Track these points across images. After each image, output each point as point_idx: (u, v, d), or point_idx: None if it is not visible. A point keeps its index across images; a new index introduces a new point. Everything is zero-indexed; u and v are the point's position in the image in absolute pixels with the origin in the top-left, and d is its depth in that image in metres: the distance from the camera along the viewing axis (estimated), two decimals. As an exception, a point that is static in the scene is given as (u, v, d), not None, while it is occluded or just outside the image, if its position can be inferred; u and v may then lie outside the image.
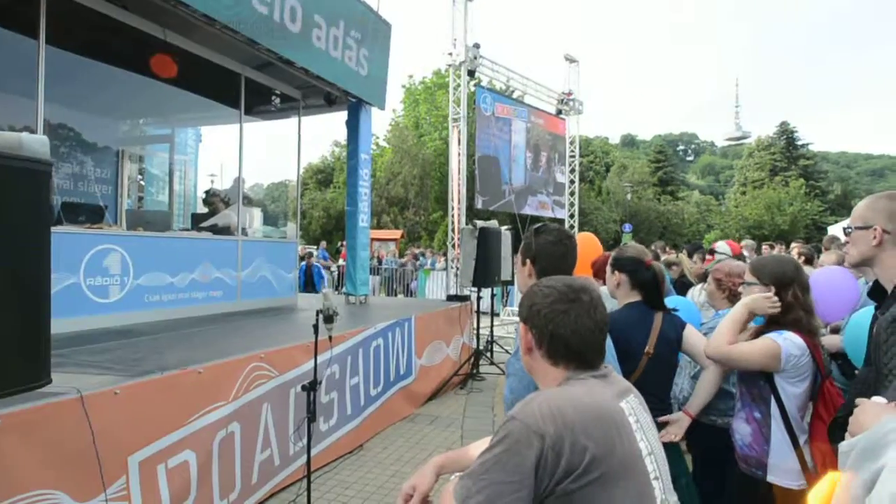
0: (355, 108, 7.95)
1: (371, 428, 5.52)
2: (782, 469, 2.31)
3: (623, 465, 1.20)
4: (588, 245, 5.57)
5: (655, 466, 1.28)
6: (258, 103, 7.63)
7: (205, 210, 7.27)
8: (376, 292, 17.33)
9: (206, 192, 7.53)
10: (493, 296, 8.18)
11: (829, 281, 3.33)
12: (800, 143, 51.25)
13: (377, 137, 35.61)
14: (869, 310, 2.68)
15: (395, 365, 6.06)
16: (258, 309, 6.71)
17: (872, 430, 1.06)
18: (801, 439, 2.32)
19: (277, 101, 7.76)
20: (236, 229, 6.81)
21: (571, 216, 15.88)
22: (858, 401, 1.28)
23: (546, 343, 1.38)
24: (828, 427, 2.22)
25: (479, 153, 12.06)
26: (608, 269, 2.75)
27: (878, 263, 1.98)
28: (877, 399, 1.27)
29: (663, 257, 7.38)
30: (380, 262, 18.41)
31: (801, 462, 2.30)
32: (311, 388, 3.28)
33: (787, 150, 49.91)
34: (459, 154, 10.76)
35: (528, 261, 2.18)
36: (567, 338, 1.35)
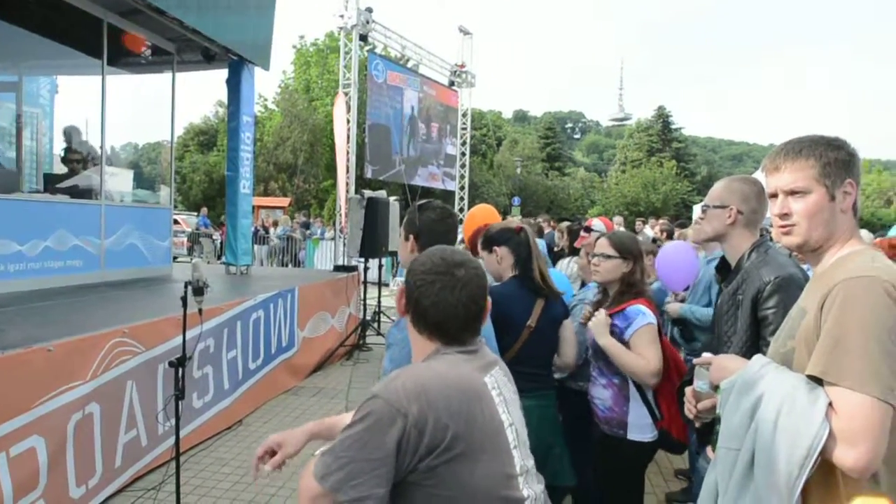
0: (237, 67, 7.47)
1: (251, 402, 5.36)
2: (639, 426, 2.54)
3: (484, 439, 1.24)
4: (489, 215, 5.65)
5: (515, 436, 1.33)
6: (125, 54, 6.93)
7: (64, 170, 6.55)
8: (264, 263, 16.70)
9: (65, 151, 6.78)
10: (380, 266, 8.16)
11: (674, 255, 3.64)
12: (674, 127, 55.32)
13: (265, 100, 33.85)
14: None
15: (276, 337, 5.90)
16: (126, 280, 6.22)
17: (745, 370, 1.33)
18: (650, 395, 2.55)
19: (148, 53, 7.11)
20: (99, 193, 6.22)
21: (462, 188, 16.13)
22: (712, 357, 1.52)
23: (411, 310, 1.39)
24: (677, 389, 2.47)
25: (369, 121, 11.84)
26: (483, 252, 2.74)
27: (728, 240, 2.20)
28: (708, 354, 1.53)
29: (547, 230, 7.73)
30: (266, 231, 17.68)
31: (651, 416, 2.53)
32: (180, 364, 3.10)
33: (663, 133, 53.70)
34: (349, 122, 10.49)
35: (411, 236, 2.22)
36: (427, 308, 1.35)
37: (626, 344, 2.54)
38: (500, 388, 1.36)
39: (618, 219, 9.59)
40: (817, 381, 1.22)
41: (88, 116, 6.77)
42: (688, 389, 1.55)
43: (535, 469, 1.39)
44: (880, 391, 1.12)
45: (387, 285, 12.44)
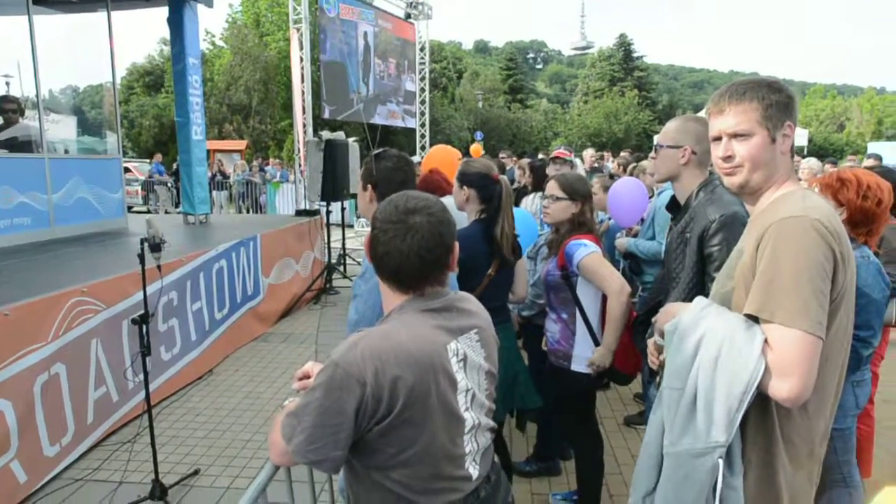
0: (178, 4, 7.03)
1: (220, 352, 5.39)
2: (582, 359, 2.67)
3: (436, 404, 1.30)
4: (444, 159, 5.61)
5: (468, 400, 1.38)
6: (51, -8, 6.44)
7: (-1, 121, 6.18)
8: (223, 208, 16.33)
9: (-1, 99, 6.36)
10: (343, 209, 8.08)
11: (623, 191, 3.72)
12: (635, 55, 54.88)
13: (212, 36, 32.12)
14: None
15: (241, 286, 5.87)
16: (79, 236, 6.03)
17: (688, 312, 1.40)
18: (598, 331, 2.67)
19: (77, -10, 6.62)
20: (41, 144, 5.92)
21: (423, 125, 15.84)
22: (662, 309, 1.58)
23: (373, 261, 1.40)
24: (631, 324, 2.58)
25: (323, 58, 11.38)
26: (456, 183, 2.77)
27: (679, 180, 2.25)
28: (668, 304, 1.60)
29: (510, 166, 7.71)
30: (225, 176, 17.18)
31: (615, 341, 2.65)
32: (143, 321, 3.08)
33: (625, 62, 53.32)
34: (302, 59, 10.08)
35: (369, 186, 2.22)
36: (381, 257, 1.36)
37: (576, 277, 2.62)
38: (465, 353, 1.38)
39: (590, 151, 9.55)
40: (754, 318, 1.29)
41: (21, 59, 6.33)
42: (650, 342, 1.62)
43: (487, 422, 1.45)
44: (810, 325, 1.20)
45: (351, 227, 12.38)
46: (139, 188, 17.62)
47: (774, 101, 1.39)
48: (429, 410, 1.29)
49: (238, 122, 29.87)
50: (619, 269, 3.56)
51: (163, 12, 7.20)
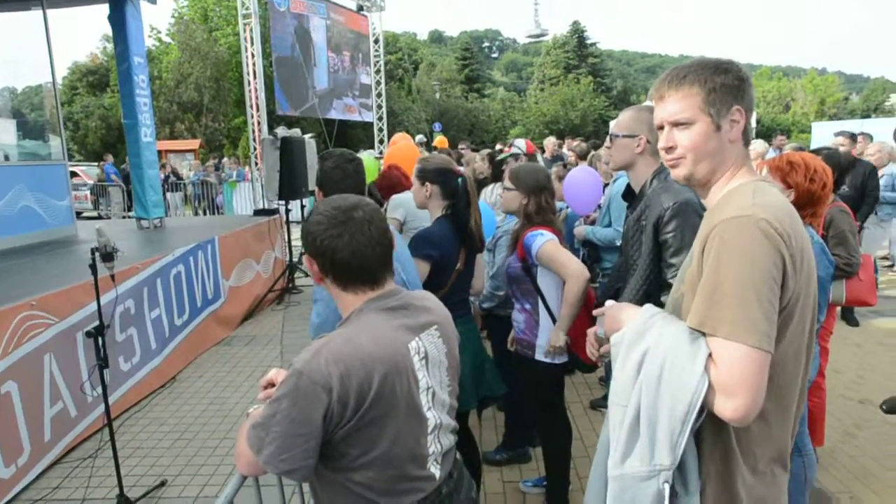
0: (119, 1, 6.76)
1: (182, 358, 5.27)
2: (546, 347, 2.69)
3: (400, 404, 1.31)
4: (402, 156, 5.60)
5: (430, 398, 1.40)
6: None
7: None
8: (179, 210, 15.90)
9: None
10: (302, 207, 7.95)
11: (579, 180, 3.77)
12: (589, 42, 55.45)
13: (158, 32, 31.07)
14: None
15: (200, 290, 5.74)
16: (25, 246, 5.80)
17: (635, 321, 1.28)
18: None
19: (9, -12, 6.30)
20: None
21: (380, 119, 15.70)
22: (606, 307, 1.46)
23: (331, 270, 1.38)
24: (593, 314, 2.62)
25: (275, 54, 11.14)
26: (415, 181, 2.74)
27: (634, 168, 2.29)
28: (610, 302, 1.48)
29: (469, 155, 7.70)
30: (178, 177, 16.70)
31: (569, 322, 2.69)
32: (98, 332, 2.98)
33: (579, 49, 53.81)
34: (253, 55, 9.85)
35: (317, 189, 2.25)
36: (348, 260, 1.34)
37: (536, 268, 2.66)
38: (426, 350, 1.39)
39: (551, 139, 9.56)
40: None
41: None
42: (590, 332, 1.58)
43: (449, 423, 1.47)
44: (756, 340, 1.09)
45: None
46: (88, 193, 16.96)
47: (719, 83, 1.25)
48: (393, 411, 1.30)
49: (190, 121, 29.08)
50: (578, 257, 3.61)
51: (103, 9, 6.92)
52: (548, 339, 2.66)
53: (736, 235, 1.14)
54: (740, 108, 1.27)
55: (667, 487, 1.17)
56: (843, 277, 3.14)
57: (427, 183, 2.65)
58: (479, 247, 2.67)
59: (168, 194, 14.79)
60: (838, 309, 3.49)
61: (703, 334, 1.16)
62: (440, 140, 12.19)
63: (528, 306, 2.76)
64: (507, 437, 3.61)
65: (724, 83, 1.26)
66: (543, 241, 2.60)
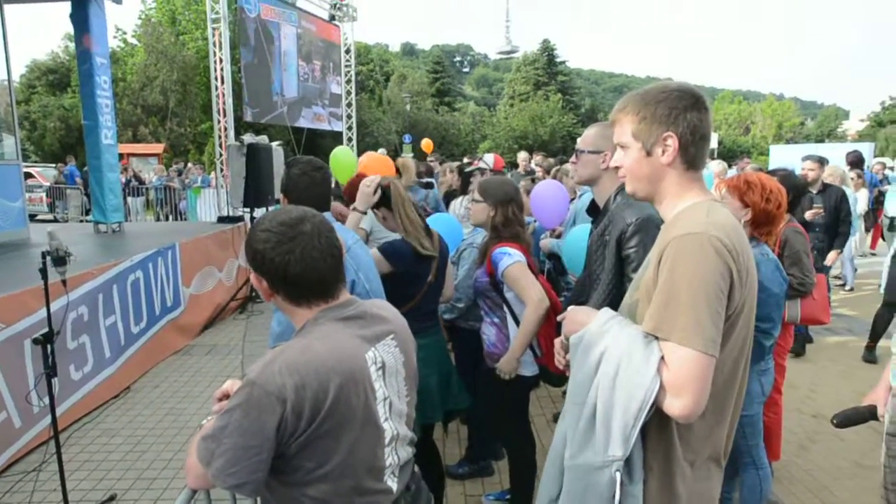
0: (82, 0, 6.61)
1: (137, 367, 5.10)
2: (520, 361, 2.69)
3: (356, 415, 1.28)
4: (381, 162, 5.58)
5: (387, 409, 1.37)
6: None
7: None
8: (140, 216, 15.49)
9: None
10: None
11: (545, 193, 3.81)
12: (559, 60, 56.47)
13: (123, 33, 30.41)
14: (582, 227, 3.18)
15: (159, 297, 5.58)
16: (-27, 248, 5.56)
17: (593, 324, 1.38)
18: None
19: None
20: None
21: (350, 128, 15.64)
22: (567, 312, 1.54)
23: (282, 287, 1.34)
24: (557, 322, 2.64)
25: (244, 60, 11.00)
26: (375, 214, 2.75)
27: (599, 184, 2.31)
28: (574, 307, 1.55)
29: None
30: (140, 181, 16.29)
31: (532, 352, 2.71)
32: (46, 340, 2.86)
33: (549, 67, 54.72)
34: (222, 60, 9.71)
35: (283, 196, 2.22)
36: (299, 276, 1.31)
37: (503, 284, 2.67)
38: (383, 360, 1.37)
39: (523, 154, 9.63)
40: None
41: None
42: (556, 341, 1.62)
43: (406, 434, 1.45)
44: (703, 344, 1.20)
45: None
46: (44, 195, 16.40)
47: (650, 113, 1.37)
48: (349, 422, 1.27)
49: (154, 125, 28.44)
50: (544, 270, 3.62)
51: (65, 7, 6.75)
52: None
53: (690, 250, 1.24)
54: (672, 134, 1.36)
55: (618, 476, 1.28)
56: (797, 297, 3.24)
57: (375, 210, 2.71)
58: (431, 250, 2.64)
59: (129, 199, 14.41)
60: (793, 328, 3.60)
61: (656, 338, 1.26)
62: (425, 143, 12.19)
63: (496, 320, 2.75)
64: (469, 450, 3.59)
65: (655, 112, 1.37)
66: (511, 262, 2.61)
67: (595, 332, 1.36)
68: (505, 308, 2.71)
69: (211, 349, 5.91)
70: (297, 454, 1.24)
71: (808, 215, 5.23)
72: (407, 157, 5.72)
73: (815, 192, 5.56)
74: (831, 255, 5.57)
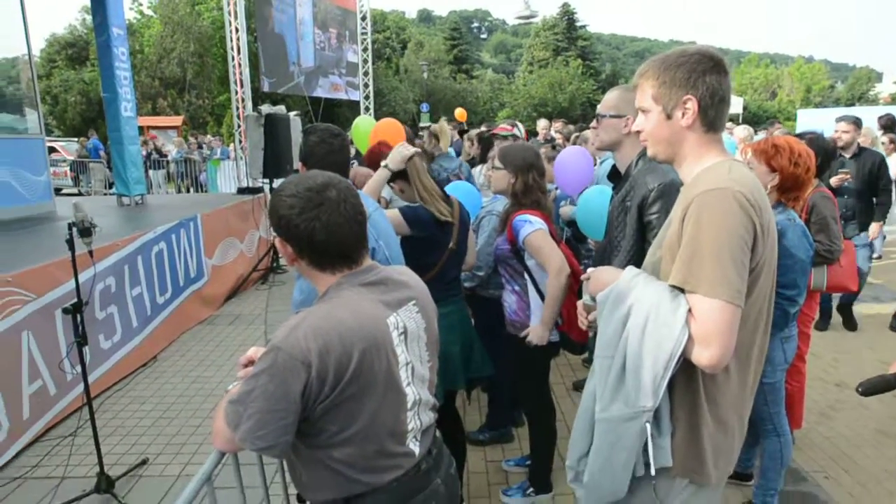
0: (97, -29, 6.58)
1: (164, 337, 5.22)
2: (550, 330, 2.69)
3: (379, 379, 1.30)
4: (387, 133, 5.52)
5: (410, 373, 1.39)
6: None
7: None
8: (162, 188, 15.66)
9: None
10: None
11: (569, 160, 3.75)
12: (579, 24, 55.07)
13: (140, 4, 30.35)
14: (596, 189, 3.13)
15: (183, 268, 5.67)
16: (3, 221, 5.67)
17: (620, 281, 1.42)
18: None
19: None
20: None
21: (367, 97, 15.51)
22: (590, 270, 1.58)
23: (307, 253, 1.35)
24: (578, 288, 2.63)
25: (261, 30, 10.91)
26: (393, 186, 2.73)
27: (620, 149, 2.27)
28: (597, 268, 1.59)
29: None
30: (161, 153, 16.42)
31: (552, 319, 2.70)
32: (76, 310, 2.93)
33: (568, 31, 53.43)
34: (238, 30, 9.65)
35: (301, 164, 2.22)
36: (325, 242, 1.32)
37: (524, 251, 2.65)
38: (405, 325, 1.38)
39: (543, 122, 9.44)
40: (680, 288, 1.32)
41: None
42: (579, 303, 1.63)
43: (428, 399, 1.46)
44: (729, 295, 1.23)
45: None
46: (68, 169, 16.63)
47: (669, 77, 1.40)
48: (372, 386, 1.28)
49: (173, 97, 28.54)
50: (563, 237, 3.58)
51: (82, -21, 6.72)
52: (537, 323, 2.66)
53: (714, 204, 1.27)
54: (692, 97, 1.39)
55: (648, 427, 1.33)
56: (823, 264, 3.17)
57: (392, 184, 2.69)
58: (451, 218, 2.61)
59: (150, 171, 14.55)
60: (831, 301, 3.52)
61: (683, 291, 1.30)
62: (459, 112, 11.99)
63: (517, 287, 2.75)
64: (490, 417, 3.63)
65: (675, 76, 1.40)
66: (532, 229, 2.60)
67: (623, 288, 1.39)
68: (526, 276, 2.70)
69: (234, 319, 6.02)
70: (322, 418, 1.26)
71: (833, 181, 4.84)
72: (443, 123, 5.61)
73: (848, 156, 5.10)
74: (873, 227, 5.15)
